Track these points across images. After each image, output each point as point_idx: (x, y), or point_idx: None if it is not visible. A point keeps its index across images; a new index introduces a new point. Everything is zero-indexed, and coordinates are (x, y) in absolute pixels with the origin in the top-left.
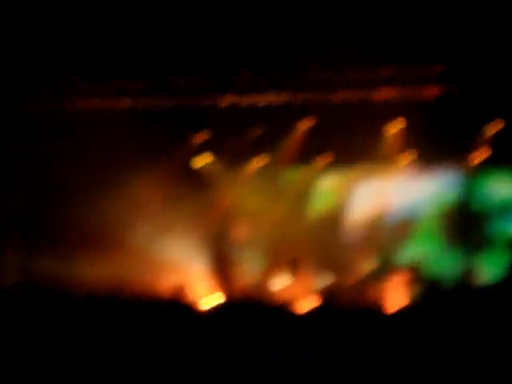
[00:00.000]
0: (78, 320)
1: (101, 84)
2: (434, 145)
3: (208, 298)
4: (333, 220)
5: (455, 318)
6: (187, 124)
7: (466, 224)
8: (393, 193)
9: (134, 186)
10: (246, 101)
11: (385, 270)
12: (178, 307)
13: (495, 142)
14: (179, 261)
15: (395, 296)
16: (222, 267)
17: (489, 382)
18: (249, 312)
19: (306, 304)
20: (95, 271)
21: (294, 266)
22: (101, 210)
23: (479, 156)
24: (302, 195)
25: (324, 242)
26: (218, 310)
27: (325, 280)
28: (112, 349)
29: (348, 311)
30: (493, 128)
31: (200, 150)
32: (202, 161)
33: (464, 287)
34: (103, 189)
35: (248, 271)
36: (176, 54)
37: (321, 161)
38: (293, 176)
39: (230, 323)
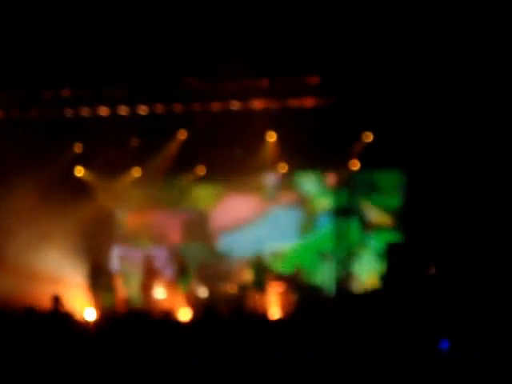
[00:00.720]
0: None
1: None
2: (308, 154)
3: (87, 309)
4: (206, 230)
5: (333, 324)
6: (64, 135)
7: (340, 232)
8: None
9: (11, 195)
10: (123, 111)
11: (263, 279)
12: (56, 318)
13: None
14: (57, 272)
15: (275, 304)
16: (100, 278)
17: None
18: (131, 322)
19: (187, 313)
20: None
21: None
22: None
23: (350, 166)
24: (176, 205)
25: (203, 253)
26: (98, 321)
27: (204, 290)
28: None
29: (229, 320)
30: (364, 139)
31: (77, 160)
32: (79, 171)
33: (341, 294)
34: None
35: (128, 282)
36: (53, 66)
37: (196, 171)
38: (168, 187)
39: (111, 334)
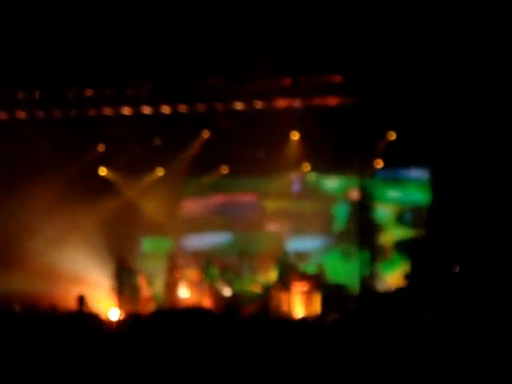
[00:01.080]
0: None
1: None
2: (332, 154)
3: (113, 309)
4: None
5: (359, 322)
6: (87, 134)
7: (364, 232)
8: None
9: (35, 195)
10: (146, 111)
11: (287, 278)
12: (80, 318)
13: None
14: (81, 271)
15: (300, 303)
16: (125, 277)
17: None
18: (157, 320)
19: (214, 312)
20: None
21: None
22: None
23: (374, 165)
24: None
25: (229, 252)
26: (125, 321)
27: (230, 289)
28: (18, 362)
29: (255, 318)
30: (386, 138)
31: (100, 160)
32: (102, 171)
33: (365, 293)
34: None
35: (155, 281)
36: (75, 65)
37: (220, 171)
38: (192, 186)
39: (139, 333)
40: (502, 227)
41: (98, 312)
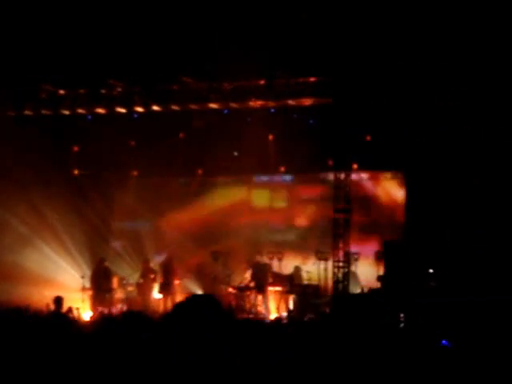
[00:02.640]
0: None
1: None
2: (307, 154)
3: (86, 310)
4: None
5: (331, 324)
6: (60, 134)
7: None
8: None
9: (10, 195)
10: (120, 111)
11: (262, 279)
12: (57, 319)
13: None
14: (54, 273)
15: (274, 303)
16: (102, 278)
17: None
18: (129, 321)
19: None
20: None
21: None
22: None
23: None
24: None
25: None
26: (98, 322)
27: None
28: None
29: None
30: (362, 139)
31: (74, 160)
32: (77, 170)
33: (338, 294)
34: None
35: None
36: (49, 65)
37: (194, 172)
38: (168, 186)
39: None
40: (477, 227)
41: (73, 312)
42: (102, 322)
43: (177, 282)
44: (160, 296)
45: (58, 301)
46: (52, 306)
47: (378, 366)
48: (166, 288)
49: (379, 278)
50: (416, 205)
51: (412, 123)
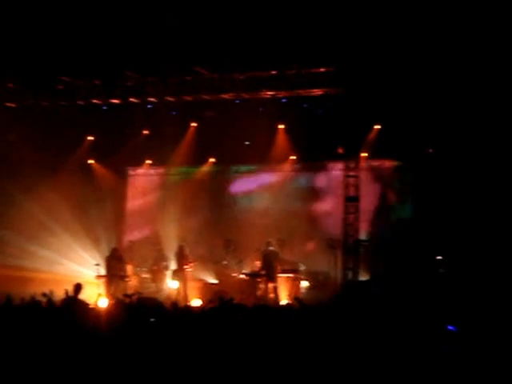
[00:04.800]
0: None
1: None
2: (317, 145)
3: (101, 297)
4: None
5: (343, 309)
6: (75, 124)
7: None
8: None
9: (28, 184)
10: (134, 102)
11: (272, 267)
12: (74, 305)
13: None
14: (73, 260)
15: (285, 291)
16: (116, 266)
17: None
18: (144, 309)
19: (200, 302)
20: None
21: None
22: None
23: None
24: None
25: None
26: (113, 309)
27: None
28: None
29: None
30: (373, 130)
31: (89, 151)
32: (91, 161)
33: (348, 281)
34: None
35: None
36: (66, 56)
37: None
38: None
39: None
40: (481, 221)
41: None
42: (117, 309)
43: (189, 269)
44: (173, 283)
45: (78, 287)
46: (70, 293)
47: (387, 353)
48: (178, 275)
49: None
50: (424, 192)
51: (421, 113)
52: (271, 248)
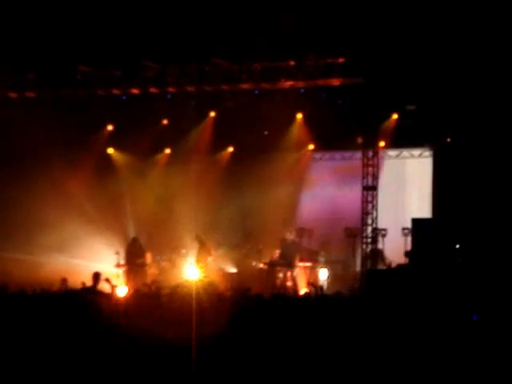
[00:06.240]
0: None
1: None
2: (336, 134)
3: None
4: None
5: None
6: (95, 114)
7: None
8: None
9: (48, 174)
10: (153, 92)
11: (291, 255)
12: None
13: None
14: (92, 249)
15: (303, 279)
16: (135, 254)
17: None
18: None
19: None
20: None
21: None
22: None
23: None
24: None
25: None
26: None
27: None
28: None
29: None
30: (391, 119)
31: (108, 140)
32: (111, 151)
33: (366, 269)
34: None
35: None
36: (84, 46)
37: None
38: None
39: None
40: (506, 208)
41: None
42: (137, 297)
43: (209, 258)
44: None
45: (96, 276)
46: (89, 282)
47: (408, 340)
48: (200, 263)
49: (407, 254)
50: (444, 182)
51: (440, 101)
52: (290, 237)
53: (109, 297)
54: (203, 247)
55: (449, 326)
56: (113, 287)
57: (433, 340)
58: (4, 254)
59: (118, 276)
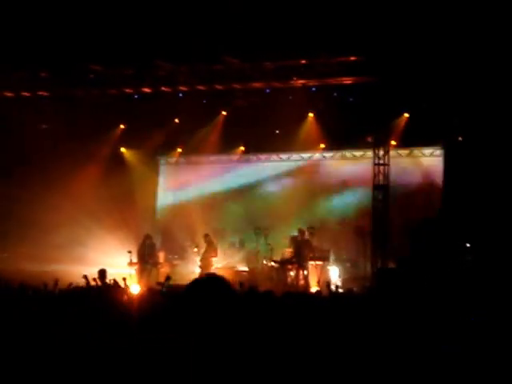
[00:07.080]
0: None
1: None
2: (347, 133)
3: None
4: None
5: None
6: (107, 113)
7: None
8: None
9: (61, 173)
10: (165, 91)
11: (301, 255)
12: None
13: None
14: (104, 247)
15: (315, 277)
16: (148, 253)
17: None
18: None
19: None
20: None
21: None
22: (28, 201)
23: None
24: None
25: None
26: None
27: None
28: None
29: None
30: (402, 118)
31: (120, 139)
32: (123, 150)
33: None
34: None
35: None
36: (96, 45)
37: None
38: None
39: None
40: None
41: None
42: (149, 295)
43: (215, 258)
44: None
45: (102, 273)
46: (96, 280)
47: (420, 340)
48: (205, 263)
49: (415, 253)
50: (454, 181)
51: (451, 100)
52: (302, 235)
53: (122, 292)
54: (210, 247)
55: (449, 326)
56: (126, 287)
57: (433, 340)
58: (19, 250)
59: (130, 275)
